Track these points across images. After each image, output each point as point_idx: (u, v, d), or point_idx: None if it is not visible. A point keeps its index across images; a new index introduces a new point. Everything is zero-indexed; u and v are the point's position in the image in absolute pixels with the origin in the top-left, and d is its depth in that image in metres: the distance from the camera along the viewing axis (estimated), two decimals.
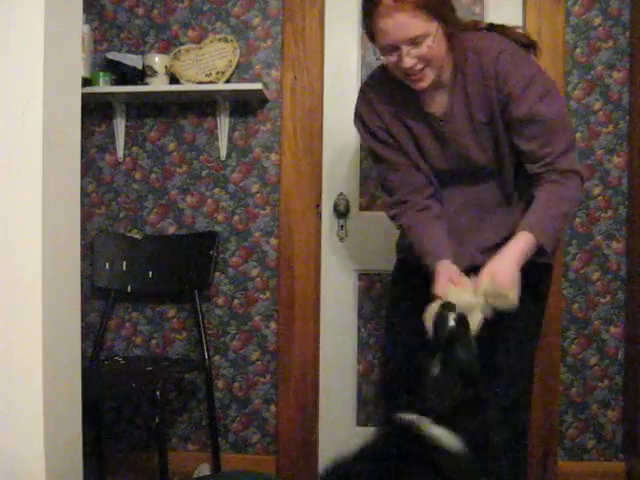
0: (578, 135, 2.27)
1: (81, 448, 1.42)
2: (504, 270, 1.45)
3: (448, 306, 1.35)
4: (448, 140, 1.61)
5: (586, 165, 2.24)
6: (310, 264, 2.37)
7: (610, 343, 2.30)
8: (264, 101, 2.38)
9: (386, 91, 1.63)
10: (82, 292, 1.46)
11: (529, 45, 1.59)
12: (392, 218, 1.70)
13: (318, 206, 2.38)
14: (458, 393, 1.23)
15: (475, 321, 1.39)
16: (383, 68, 1.60)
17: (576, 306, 2.30)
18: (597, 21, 2.27)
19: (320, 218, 2.40)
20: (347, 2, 2.37)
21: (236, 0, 2.39)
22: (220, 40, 2.32)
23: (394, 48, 1.45)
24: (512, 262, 1.46)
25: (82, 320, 1.47)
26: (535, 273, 1.62)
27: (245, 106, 2.39)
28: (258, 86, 2.25)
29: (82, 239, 1.63)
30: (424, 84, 1.51)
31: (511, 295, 1.42)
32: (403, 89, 1.57)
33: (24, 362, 1.26)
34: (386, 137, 1.65)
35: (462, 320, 1.33)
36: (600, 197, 2.28)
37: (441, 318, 1.33)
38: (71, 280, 1.39)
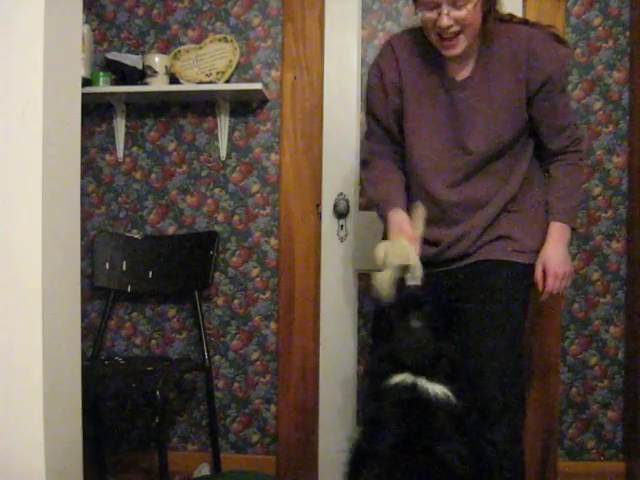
0: None
1: (81, 448, 1.42)
2: (556, 259, 1.63)
3: (404, 271, 1.51)
4: (458, 111, 1.62)
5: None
6: (310, 264, 2.37)
7: (610, 343, 2.30)
8: (264, 101, 2.38)
9: (412, 49, 1.66)
10: (82, 292, 1.46)
11: (559, 43, 1.63)
12: (364, 162, 1.80)
13: (318, 206, 2.39)
14: (436, 345, 1.42)
15: (418, 274, 1.54)
16: (413, 29, 1.64)
17: (576, 306, 2.30)
18: (597, 21, 2.27)
19: (320, 218, 2.40)
20: (347, 2, 2.37)
21: (236, 0, 2.40)
22: (220, 40, 2.33)
23: (435, 5, 1.48)
24: (559, 248, 1.65)
25: (82, 320, 1.47)
26: (516, 273, 1.65)
27: (245, 106, 2.39)
28: (258, 86, 2.25)
29: (82, 239, 1.64)
30: (456, 51, 1.54)
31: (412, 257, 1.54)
32: (429, 51, 1.60)
33: (24, 362, 1.26)
34: (395, 93, 1.67)
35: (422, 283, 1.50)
36: (600, 197, 2.28)
37: (402, 283, 1.50)
38: (71, 280, 1.39)
